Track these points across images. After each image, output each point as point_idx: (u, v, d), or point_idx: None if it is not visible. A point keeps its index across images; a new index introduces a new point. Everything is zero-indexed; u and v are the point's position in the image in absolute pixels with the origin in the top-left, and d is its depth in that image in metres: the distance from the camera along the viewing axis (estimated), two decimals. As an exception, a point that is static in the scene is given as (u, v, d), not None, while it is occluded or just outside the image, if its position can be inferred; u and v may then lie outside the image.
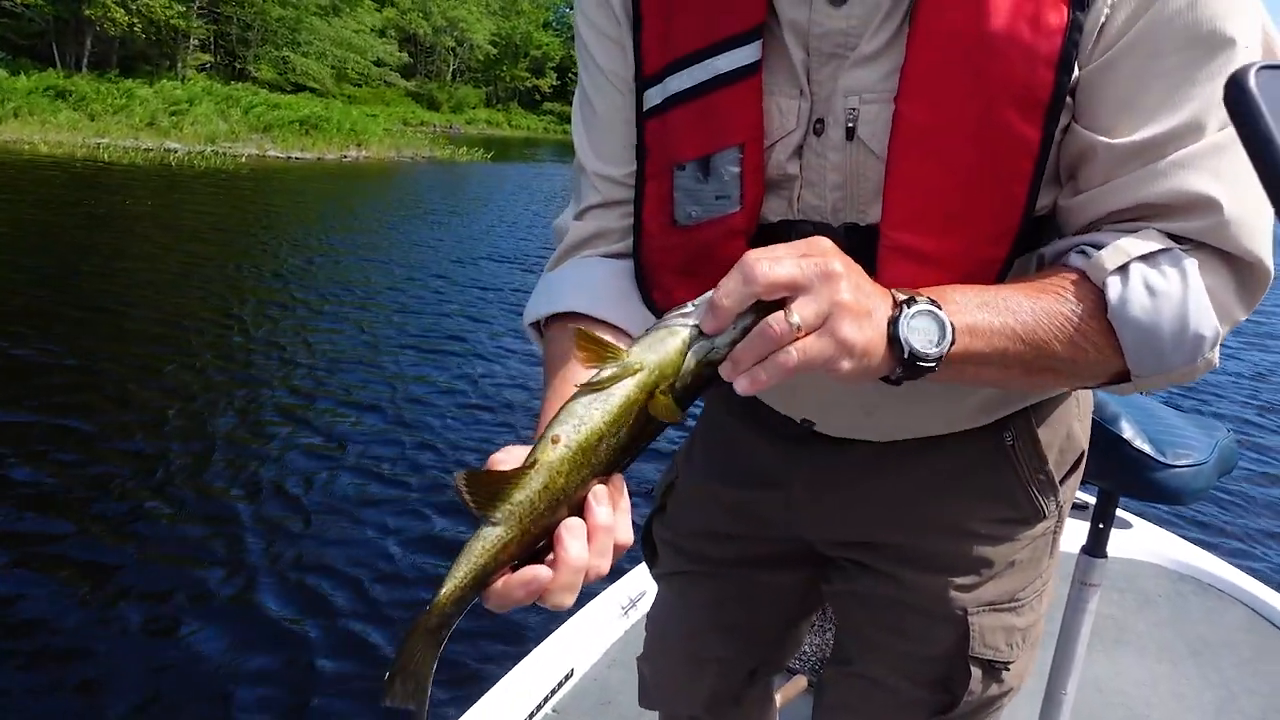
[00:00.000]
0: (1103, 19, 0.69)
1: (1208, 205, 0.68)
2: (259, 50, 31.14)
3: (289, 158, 21.41)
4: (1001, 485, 0.92)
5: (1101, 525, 1.58)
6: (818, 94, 0.78)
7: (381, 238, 11.99)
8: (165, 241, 10.08)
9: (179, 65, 26.61)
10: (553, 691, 1.97)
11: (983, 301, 0.68)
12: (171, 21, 24.39)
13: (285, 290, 8.32)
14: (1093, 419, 1.05)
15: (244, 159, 19.61)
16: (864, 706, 1.03)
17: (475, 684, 2.22)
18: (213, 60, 29.28)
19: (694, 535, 1.11)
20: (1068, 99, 0.71)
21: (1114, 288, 0.68)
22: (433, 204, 16.22)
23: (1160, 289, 0.68)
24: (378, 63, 36.62)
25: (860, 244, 0.75)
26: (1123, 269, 0.69)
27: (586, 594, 2.33)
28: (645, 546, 1.18)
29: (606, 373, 0.60)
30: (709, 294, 0.59)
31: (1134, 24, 0.69)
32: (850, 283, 0.59)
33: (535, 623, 3.11)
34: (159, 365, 5.83)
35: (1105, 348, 0.70)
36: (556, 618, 2.23)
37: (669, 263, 0.85)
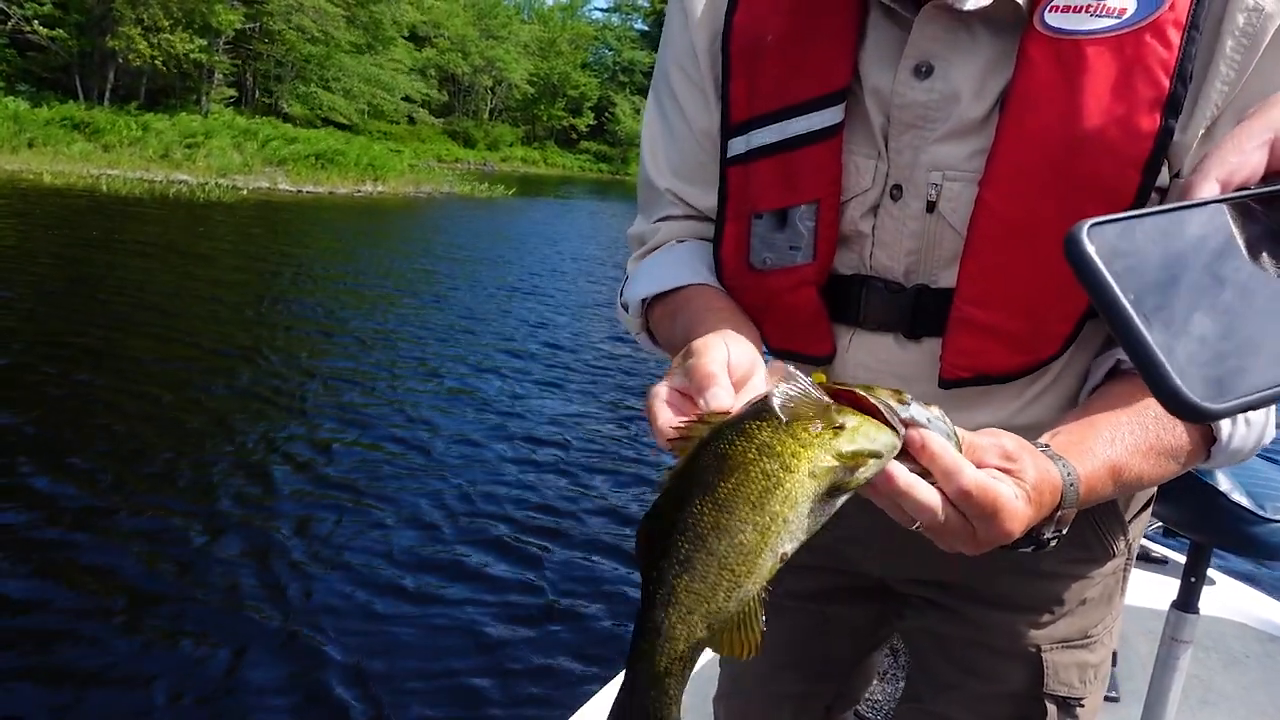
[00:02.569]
0: (1204, 128, 0.72)
1: None
2: (288, 86, 31.31)
3: (299, 191, 21.13)
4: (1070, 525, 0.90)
5: (1194, 579, 1.50)
6: (895, 160, 0.80)
7: (373, 268, 11.90)
8: (142, 269, 9.95)
9: (203, 99, 26.67)
10: None
11: (1115, 480, 0.72)
12: (192, 56, 24.43)
13: (274, 318, 8.38)
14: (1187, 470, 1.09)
15: (247, 192, 19.33)
16: None
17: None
18: (237, 95, 29.38)
19: None
20: (1154, 195, 0.73)
21: (1225, 429, 0.76)
22: (441, 238, 16.15)
23: (1254, 420, 0.77)
24: (406, 99, 36.69)
25: (930, 306, 0.81)
26: None
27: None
28: None
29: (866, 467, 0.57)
30: (932, 423, 0.60)
31: None
32: (1010, 534, 0.62)
33: (596, 669, 3.12)
34: (162, 387, 5.93)
35: (1192, 466, 0.79)
36: (618, 664, 2.17)
37: (744, 301, 0.88)
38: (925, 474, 0.59)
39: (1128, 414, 0.75)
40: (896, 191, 0.80)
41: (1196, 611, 1.51)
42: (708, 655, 1.75)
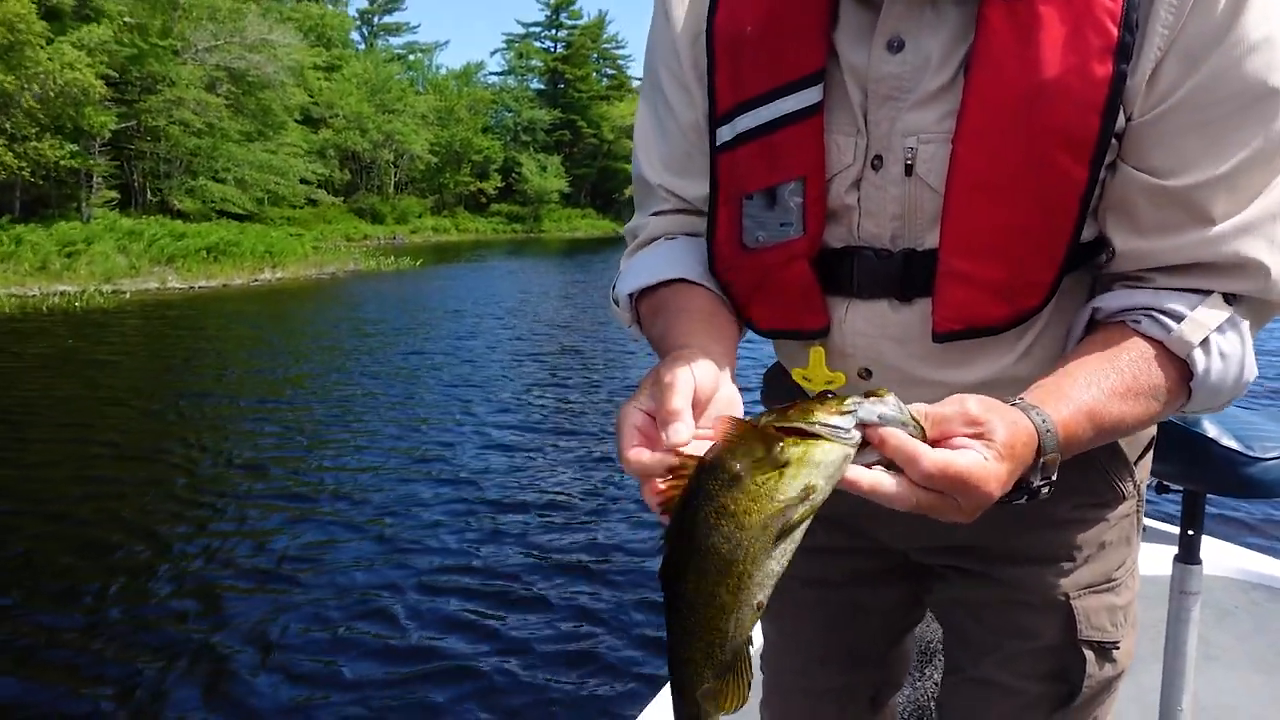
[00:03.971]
0: (1150, 71, 0.77)
1: (1261, 271, 0.78)
2: (176, 181, 30.26)
3: (191, 288, 20.25)
4: (1078, 473, 0.92)
5: (1191, 531, 1.53)
6: (874, 132, 0.85)
7: (285, 352, 11.68)
8: (41, 382, 9.60)
9: (83, 205, 25.51)
10: None
11: (1094, 423, 0.75)
12: (63, 162, 23.36)
13: (192, 413, 8.13)
14: (1173, 422, 1.04)
15: (129, 295, 18.36)
16: (987, 710, 1.02)
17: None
18: (119, 197, 28.19)
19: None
20: (1113, 141, 0.78)
21: (1200, 362, 0.79)
22: (354, 314, 16.03)
23: (1229, 353, 0.80)
24: (304, 181, 35.85)
25: (918, 268, 0.86)
26: (1204, 342, 0.78)
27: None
28: None
29: (798, 509, 0.61)
30: (885, 418, 0.64)
31: (1185, 81, 0.76)
32: (989, 495, 0.65)
33: (622, 701, 3.19)
34: (84, 498, 5.65)
35: (1176, 406, 0.81)
36: (643, 695, 2.24)
37: (740, 281, 0.93)
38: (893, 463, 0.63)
39: (1103, 359, 0.78)
40: (877, 161, 0.85)
41: (1199, 562, 1.53)
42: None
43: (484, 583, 4.43)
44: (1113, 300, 0.83)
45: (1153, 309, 0.79)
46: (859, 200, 0.86)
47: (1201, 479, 1.47)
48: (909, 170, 0.83)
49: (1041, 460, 0.70)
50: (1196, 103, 0.75)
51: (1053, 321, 0.88)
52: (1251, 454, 1.41)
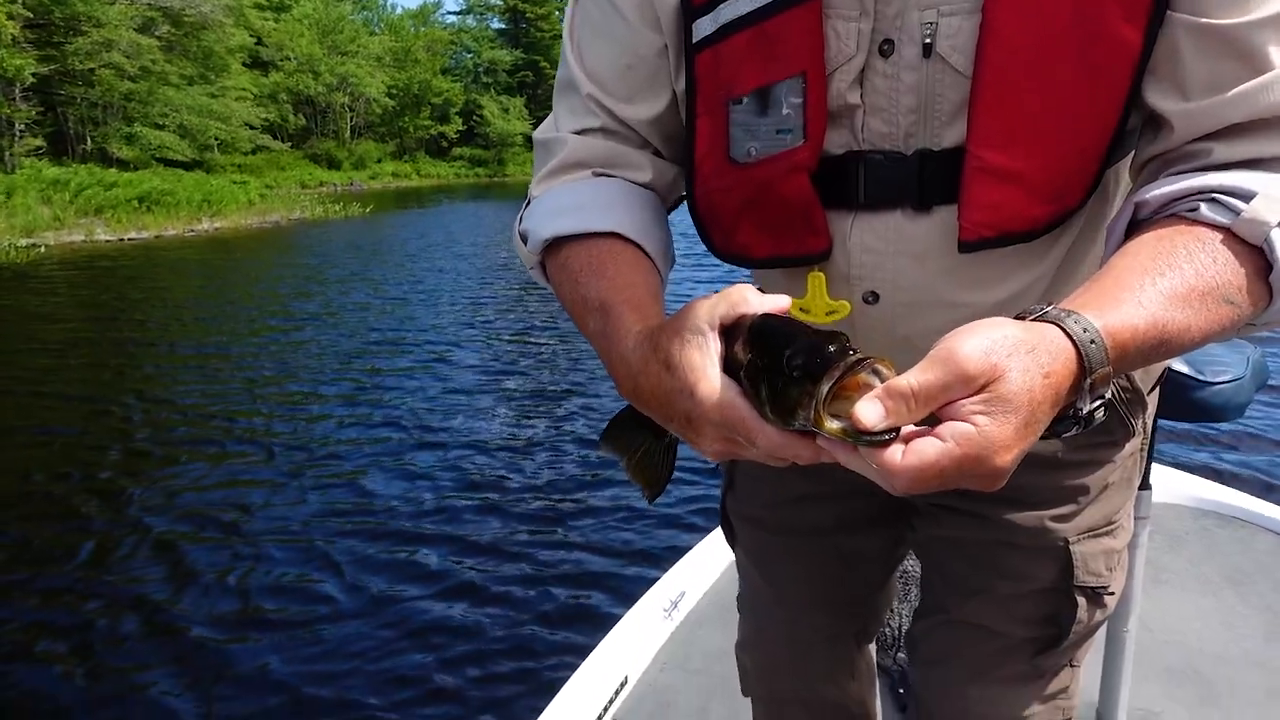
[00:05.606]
0: None
1: None
2: (113, 127, 28.74)
3: (121, 240, 19.21)
4: None
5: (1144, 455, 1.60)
6: (883, 12, 0.73)
7: (232, 303, 11.06)
8: None
9: (6, 153, 24.09)
10: (610, 701, 1.90)
11: (1152, 332, 0.60)
12: (-20, 108, 21.97)
13: (137, 367, 7.85)
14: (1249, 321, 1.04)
15: (44, 249, 17.30)
16: (968, 653, 0.98)
17: (532, 698, 2.50)
18: (44, 145, 26.66)
19: (772, 505, 1.06)
20: None
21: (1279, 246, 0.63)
22: (308, 261, 15.49)
23: None
24: (249, 126, 34.28)
25: (937, 170, 0.74)
26: None
27: (629, 599, 2.39)
28: (724, 525, 1.15)
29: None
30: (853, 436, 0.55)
31: None
32: (997, 470, 0.54)
33: (580, 634, 3.13)
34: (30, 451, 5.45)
35: (1254, 310, 0.65)
36: (600, 628, 2.24)
37: (728, 203, 0.82)
38: (931, 419, 0.55)
39: (1156, 256, 0.63)
40: (887, 47, 0.73)
41: (1149, 487, 1.53)
42: (681, 617, 2.20)
43: (438, 528, 4.28)
44: (1160, 188, 0.67)
45: (1213, 190, 0.65)
46: (863, 96, 0.75)
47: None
48: (927, 51, 0.71)
49: (1089, 379, 0.57)
50: None
51: (1090, 225, 0.79)
52: (1202, 378, 1.41)
